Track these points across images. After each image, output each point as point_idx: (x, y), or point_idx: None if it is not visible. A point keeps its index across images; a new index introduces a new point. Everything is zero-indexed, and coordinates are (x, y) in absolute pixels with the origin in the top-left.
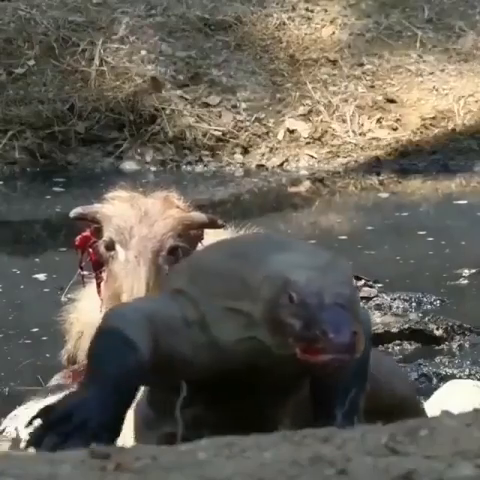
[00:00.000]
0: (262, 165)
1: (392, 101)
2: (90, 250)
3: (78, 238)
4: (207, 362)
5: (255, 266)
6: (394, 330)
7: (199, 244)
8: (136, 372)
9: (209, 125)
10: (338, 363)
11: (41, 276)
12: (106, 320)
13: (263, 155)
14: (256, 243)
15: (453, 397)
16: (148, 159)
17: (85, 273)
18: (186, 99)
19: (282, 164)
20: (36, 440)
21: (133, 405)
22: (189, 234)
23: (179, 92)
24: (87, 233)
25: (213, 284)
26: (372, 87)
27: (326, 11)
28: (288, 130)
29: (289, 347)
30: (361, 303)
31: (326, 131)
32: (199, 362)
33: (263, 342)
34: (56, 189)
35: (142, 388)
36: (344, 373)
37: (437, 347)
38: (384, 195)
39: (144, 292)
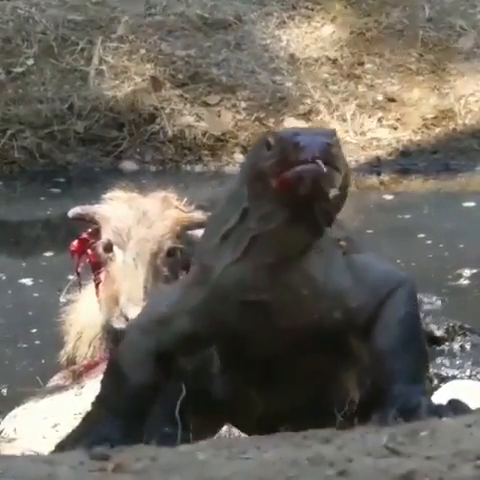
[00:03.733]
0: None
1: (393, 100)
2: (89, 251)
3: (74, 243)
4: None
5: None
6: None
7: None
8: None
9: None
10: (312, 173)
11: (27, 281)
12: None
13: None
14: None
15: (454, 398)
16: (148, 159)
17: (78, 278)
18: (186, 98)
19: None
20: None
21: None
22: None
23: (178, 91)
24: (84, 236)
25: None
26: (372, 86)
27: (326, 10)
28: None
29: (269, 188)
30: None
31: None
32: None
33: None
34: (55, 189)
35: None
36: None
37: (438, 348)
38: (385, 195)
39: (142, 294)
